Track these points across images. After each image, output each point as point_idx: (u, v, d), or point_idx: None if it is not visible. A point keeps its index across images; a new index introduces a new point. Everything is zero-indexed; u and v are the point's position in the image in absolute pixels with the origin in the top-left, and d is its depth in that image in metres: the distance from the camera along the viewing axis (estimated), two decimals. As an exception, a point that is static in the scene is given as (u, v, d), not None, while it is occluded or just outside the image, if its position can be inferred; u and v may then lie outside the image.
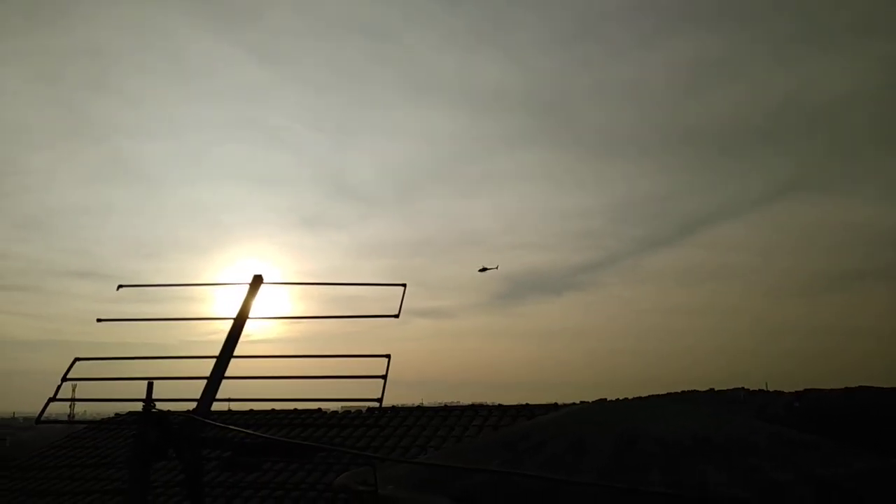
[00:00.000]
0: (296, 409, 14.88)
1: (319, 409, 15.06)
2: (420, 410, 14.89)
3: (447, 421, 13.80)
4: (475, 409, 14.37)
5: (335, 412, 15.86)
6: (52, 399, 4.36)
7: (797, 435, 4.60)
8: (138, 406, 4.14)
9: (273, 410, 14.86)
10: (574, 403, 14.10)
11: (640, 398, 5.94)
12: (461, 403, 17.29)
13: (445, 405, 15.96)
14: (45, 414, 4.43)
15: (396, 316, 4.62)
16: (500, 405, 14.44)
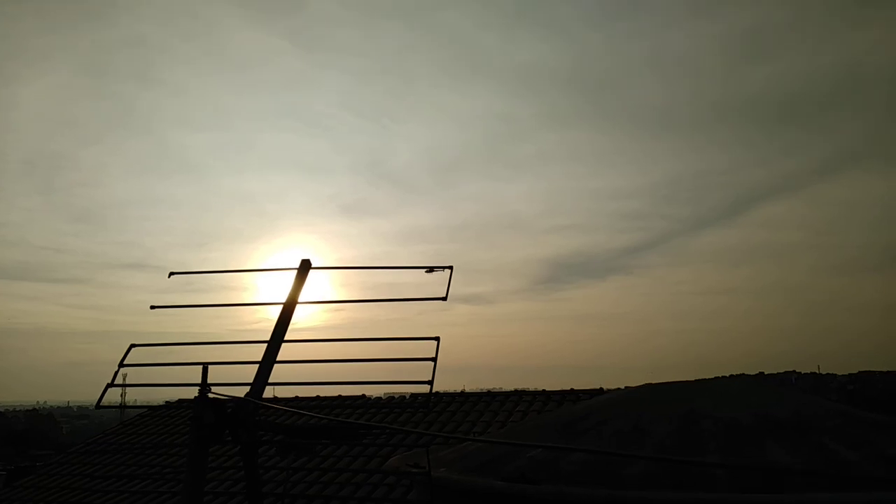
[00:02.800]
0: (340, 395, 15.01)
1: (363, 395, 15.17)
2: (462, 396, 14.85)
3: (490, 407, 13.72)
4: (519, 395, 14.27)
5: (378, 398, 15.95)
6: (110, 385, 4.44)
7: (866, 414, 4.41)
8: (193, 391, 4.19)
9: (318, 396, 15.00)
10: (619, 388, 13.92)
11: (698, 380, 5.78)
12: (503, 389, 17.22)
13: (488, 391, 15.91)
14: (103, 400, 4.52)
15: (444, 298, 4.56)
16: (543, 390, 14.30)
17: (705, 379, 6.13)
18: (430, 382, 4.03)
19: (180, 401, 16.42)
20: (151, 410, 17.06)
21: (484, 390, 16.52)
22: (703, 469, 3.85)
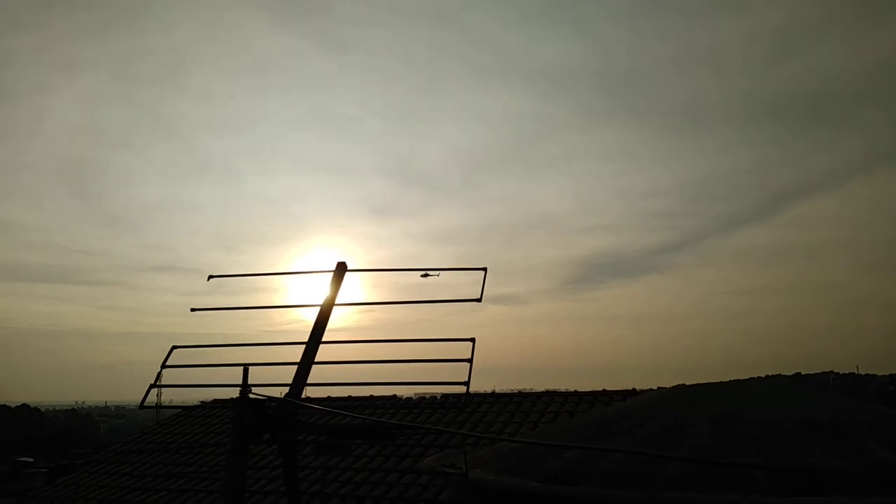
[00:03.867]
0: (371, 395, 15.09)
1: (395, 395, 15.23)
2: (493, 397, 14.82)
3: (521, 407, 13.68)
4: (550, 396, 14.21)
5: (409, 398, 16.00)
6: (153, 385, 4.55)
7: (909, 417, 4.32)
8: (232, 392, 4.28)
9: (350, 396, 15.12)
10: (651, 389, 13.78)
11: (734, 381, 5.71)
12: (533, 390, 17.15)
13: (519, 391, 15.86)
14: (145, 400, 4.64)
15: (479, 300, 4.59)
16: (575, 391, 14.21)
17: (741, 380, 6.05)
18: (467, 384, 4.06)
19: (215, 401, 16.68)
20: (186, 410, 17.35)
21: (514, 391, 16.46)
22: (742, 471, 3.81)
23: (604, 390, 13.73)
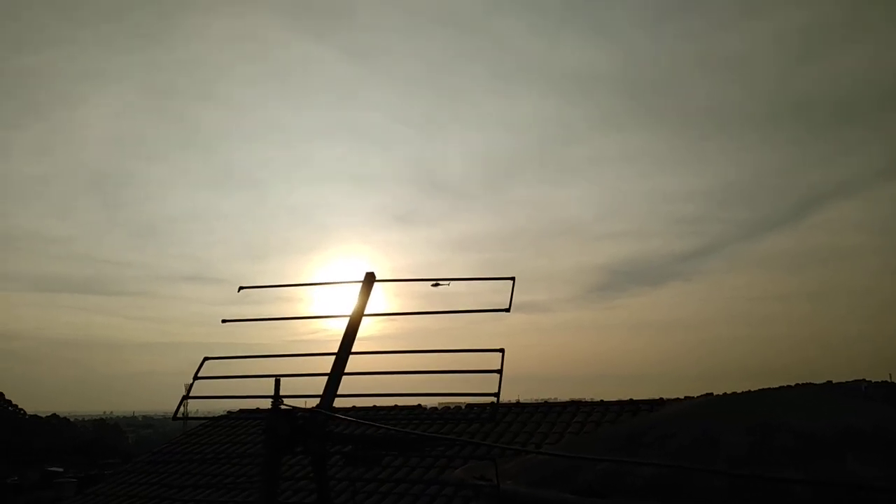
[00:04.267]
0: (396, 406, 15.09)
1: (419, 405, 15.22)
2: (518, 407, 14.74)
3: (547, 418, 13.61)
4: (576, 405, 14.11)
5: (434, 408, 15.99)
6: (187, 396, 4.60)
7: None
8: (264, 403, 4.30)
9: (375, 406, 15.14)
10: (678, 398, 13.61)
11: (767, 389, 5.61)
12: (558, 399, 17.02)
13: (544, 401, 15.76)
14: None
15: (507, 310, 4.57)
16: (601, 401, 14.10)
17: (774, 388, 5.95)
18: (497, 395, 4.05)
19: (241, 411, 16.82)
20: (214, 421, 17.49)
21: (539, 401, 16.36)
22: (780, 485, 3.74)
23: (630, 400, 13.61)
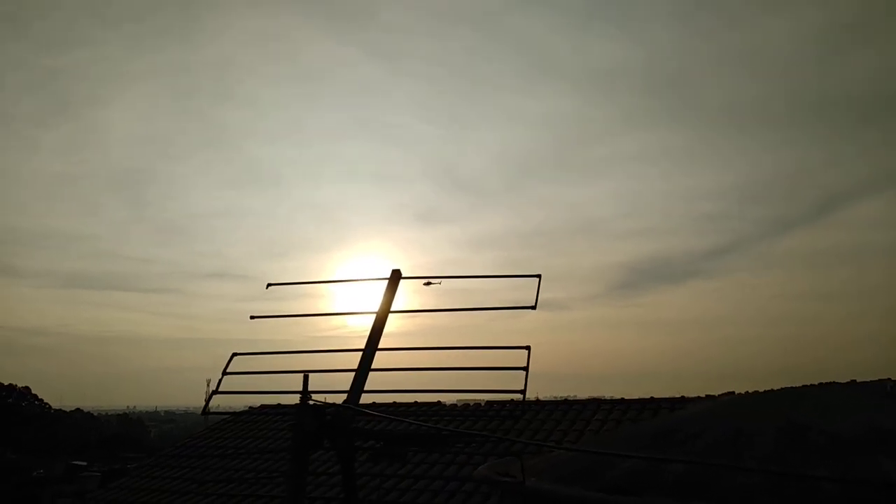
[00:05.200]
0: (416, 402, 15.10)
1: (438, 402, 15.22)
2: (539, 405, 14.70)
3: (567, 415, 13.55)
4: (597, 403, 14.05)
5: (454, 405, 16.00)
6: (216, 392, 4.66)
7: None
8: (288, 398, 4.36)
9: (394, 403, 15.17)
10: (699, 396, 13.50)
11: (796, 388, 5.55)
12: (577, 397, 16.94)
13: (564, 398, 15.71)
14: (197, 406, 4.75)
15: (533, 307, 4.57)
16: (622, 399, 14.03)
17: (801, 387, 5.88)
18: (523, 392, 4.05)
19: (262, 406, 16.97)
20: (234, 416, 17.65)
21: (558, 398, 16.30)
22: (810, 483, 3.70)
23: (651, 398, 13.51)
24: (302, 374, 4.10)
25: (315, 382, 4.87)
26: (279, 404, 16.36)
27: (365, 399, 4.65)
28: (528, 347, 4.26)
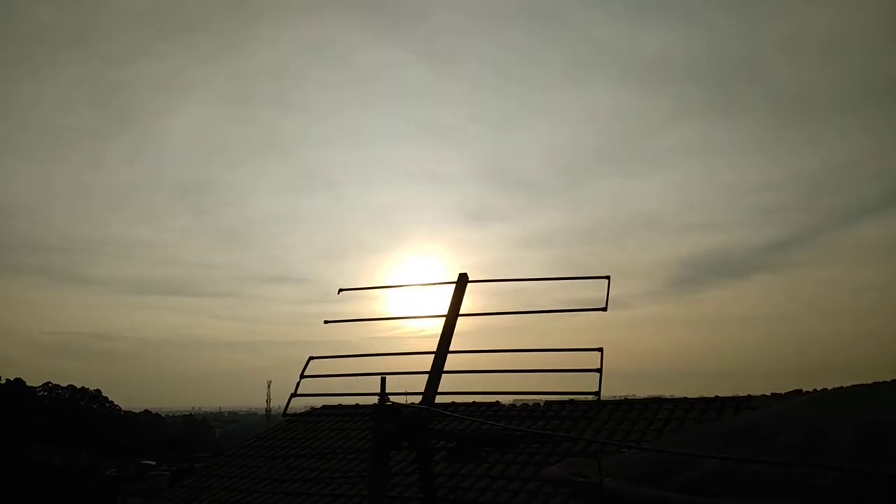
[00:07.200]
0: (474, 402, 15.14)
1: (497, 402, 15.22)
2: (599, 405, 14.53)
3: (629, 415, 13.37)
4: (658, 402, 13.83)
5: (512, 405, 15.98)
6: (294, 395, 4.82)
7: None
8: (359, 399, 4.48)
9: (453, 403, 15.22)
10: (765, 395, 13.13)
11: (877, 384, 5.39)
12: (636, 396, 16.69)
13: (624, 398, 15.51)
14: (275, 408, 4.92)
15: (604, 309, 4.57)
16: (684, 398, 13.76)
17: (882, 383, 5.70)
18: (597, 393, 4.07)
19: (324, 407, 17.30)
20: (297, 417, 18.04)
21: (618, 397, 16.08)
22: (894, 482, 3.61)
23: (716, 397, 13.22)
24: (379, 377, 4.21)
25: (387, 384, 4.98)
26: (340, 405, 16.66)
27: (437, 400, 4.74)
28: (601, 349, 4.28)
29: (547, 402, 14.59)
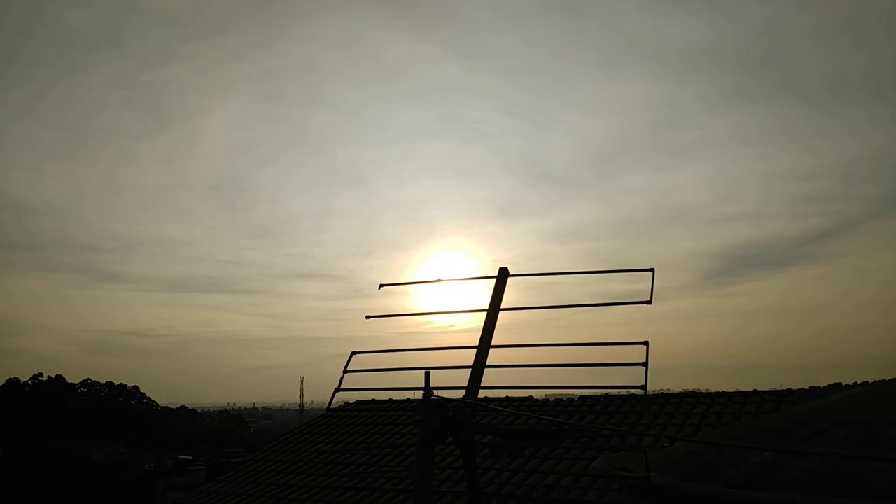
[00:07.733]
0: (507, 397, 15.09)
1: (531, 397, 15.17)
2: (634, 399, 14.39)
3: (664, 409, 13.22)
4: (695, 396, 13.64)
5: (546, 399, 15.90)
6: (338, 389, 4.86)
7: None
8: (396, 394, 4.50)
9: (487, 398, 15.17)
10: (804, 388, 12.87)
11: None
12: (672, 390, 16.51)
13: (661, 392, 15.34)
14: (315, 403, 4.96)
15: (649, 302, 4.51)
16: (722, 392, 13.56)
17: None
18: (644, 387, 4.01)
19: (357, 402, 17.40)
20: (332, 412, 18.20)
21: (655, 392, 15.90)
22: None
23: (754, 391, 13.00)
24: (421, 372, 4.21)
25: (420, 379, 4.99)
26: (374, 400, 16.73)
27: (479, 394, 4.72)
28: (646, 343, 4.22)
29: (581, 397, 14.47)
